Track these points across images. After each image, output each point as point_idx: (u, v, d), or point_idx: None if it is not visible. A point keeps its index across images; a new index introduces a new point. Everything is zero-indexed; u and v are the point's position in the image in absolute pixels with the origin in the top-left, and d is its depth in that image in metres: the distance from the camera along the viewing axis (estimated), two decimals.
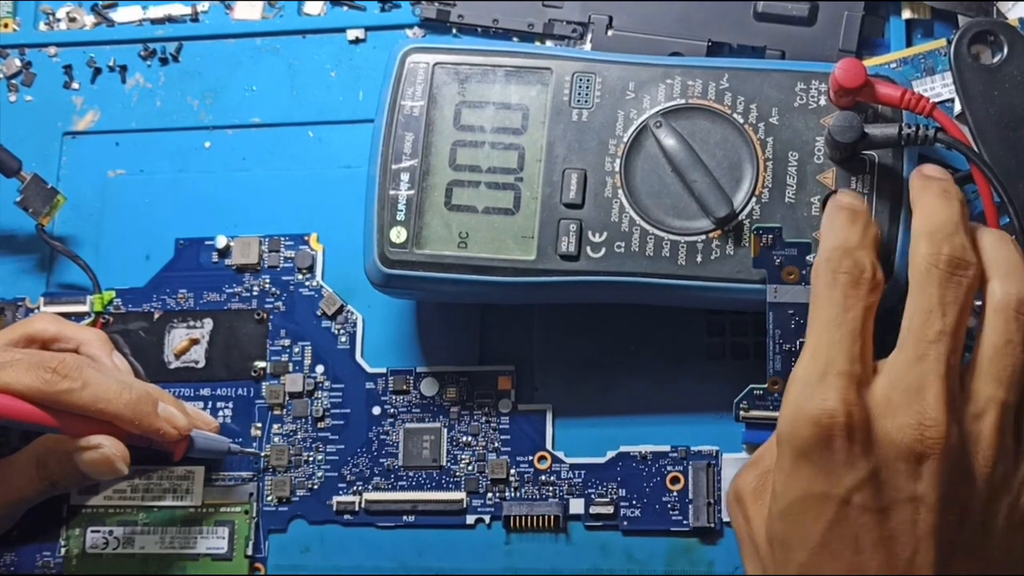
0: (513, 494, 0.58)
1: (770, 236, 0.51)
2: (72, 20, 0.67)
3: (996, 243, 0.45)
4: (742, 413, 0.53)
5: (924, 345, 0.42)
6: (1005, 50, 0.56)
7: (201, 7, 0.66)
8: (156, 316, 0.62)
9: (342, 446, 0.60)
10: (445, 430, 0.59)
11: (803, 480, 0.43)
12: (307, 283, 0.62)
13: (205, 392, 0.61)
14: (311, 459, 0.60)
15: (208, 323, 0.62)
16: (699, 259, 0.53)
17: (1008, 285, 0.43)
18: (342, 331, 0.61)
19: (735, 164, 0.54)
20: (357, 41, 0.65)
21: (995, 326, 0.43)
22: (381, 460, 0.59)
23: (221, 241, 0.62)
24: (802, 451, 0.42)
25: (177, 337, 0.62)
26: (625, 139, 0.55)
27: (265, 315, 0.61)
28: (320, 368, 0.61)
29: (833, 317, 0.43)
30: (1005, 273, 0.44)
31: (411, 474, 0.59)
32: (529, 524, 0.57)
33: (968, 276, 0.43)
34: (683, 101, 0.55)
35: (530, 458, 0.58)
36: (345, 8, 0.65)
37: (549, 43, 0.62)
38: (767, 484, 0.45)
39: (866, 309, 0.44)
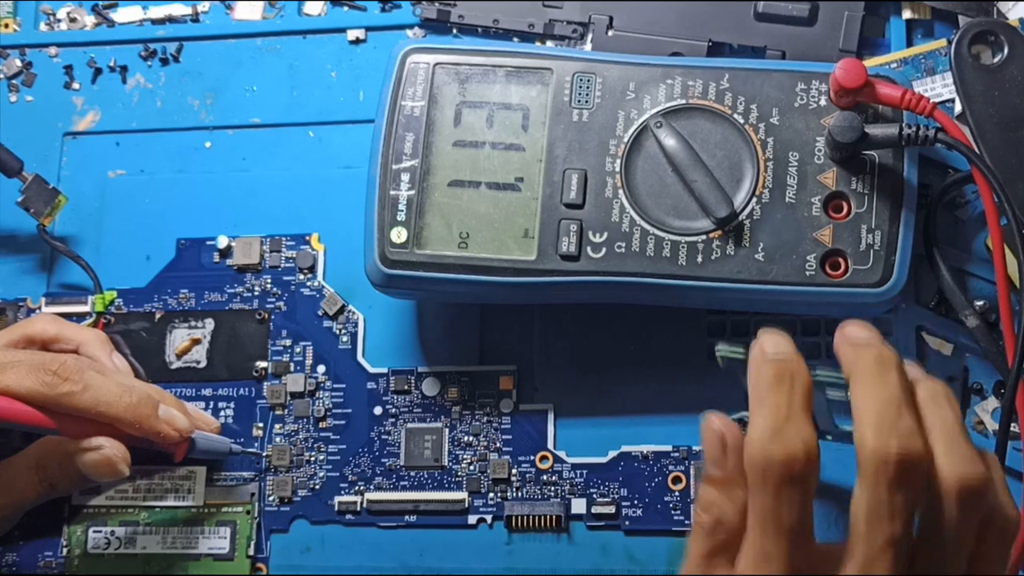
0: (515, 494, 0.58)
1: (733, 360, 0.50)
2: (72, 20, 0.67)
3: (937, 415, 0.43)
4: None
5: (872, 553, 0.41)
6: (1005, 50, 0.56)
7: (201, 7, 0.66)
8: (157, 316, 0.62)
9: (344, 446, 0.60)
10: (447, 430, 0.59)
11: None
12: (308, 283, 0.62)
13: (206, 392, 0.61)
14: (313, 459, 0.60)
15: (209, 323, 0.62)
16: (699, 259, 0.54)
17: (955, 469, 0.41)
18: (343, 331, 0.61)
19: (735, 164, 0.54)
20: (357, 41, 0.65)
21: (941, 510, 0.42)
22: (383, 460, 0.59)
23: (222, 241, 0.62)
24: None
25: (178, 337, 0.62)
26: (625, 139, 0.55)
27: (266, 315, 0.61)
28: (321, 368, 0.61)
29: (769, 524, 0.41)
30: (949, 452, 0.42)
31: (413, 474, 0.59)
32: (531, 524, 0.57)
33: (918, 475, 0.41)
34: (683, 101, 0.55)
35: (532, 458, 0.58)
36: (345, 8, 0.65)
37: (549, 43, 0.62)
38: None
39: (802, 506, 0.41)
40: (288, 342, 0.61)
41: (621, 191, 0.54)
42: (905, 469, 0.40)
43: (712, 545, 0.44)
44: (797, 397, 0.42)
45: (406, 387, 0.60)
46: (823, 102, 0.54)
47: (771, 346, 0.44)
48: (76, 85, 0.66)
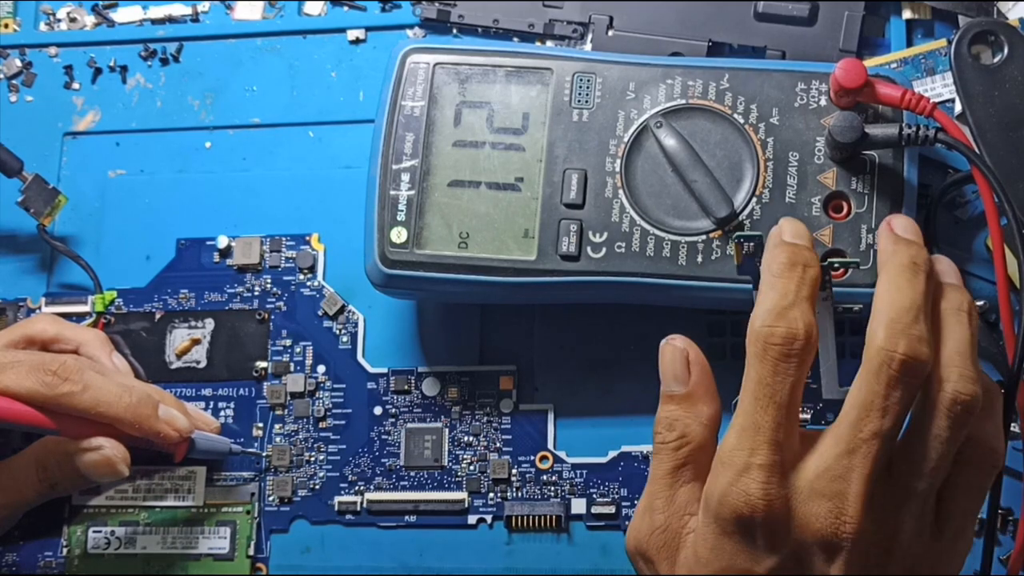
0: (515, 494, 0.58)
1: (751, 244, 0.51)
2: (72, 20, 0.67)
3: (954, 329, 0.45)
4: None
5: (857, 441, 0.42)
6: (1005, 50, 0.56)
7: (201, 7, 0.66)
8: (157, 316, 0.62)
9: (344, 446, 0.60)
10: (447, 430, 0.59)
11: (727, 554, 0.44)
12: (308, 283, 0.62)
13: (206, 392, 0.61)
14: (312, 459, 0.60)
15: (209, 323, 0.62)
16: (699, 259, 0.54)
17: (952, 383, 0.43)
18: (343, 331, 0.61)
19: (735, 164, 0.54)
20: (357, 41, 0.65)
21: (929, 419, 0.43)
22: (383, 460, 0.59)
23: (222, 241, 0.62)
24: (726, 531, 0.43)
25: (178, 337, 0.62)
26: (626, 139, 0.55)
27: (266, 315, 0.61)
28: (321, 368, 0.61)
29: (761, 396, 0.43)
30: (951, 366, 0.43)
31: (413, 474, 0.59)
32: (531, 524, 0.58)
33: (918, 379, 0.43)
34: (683, 101, 0.55)
35: (532, 458, 0.58)
36: (345, 8, 0.65)
37: (549, 43, 0.62)
38: (672, 541, 0.45)
39: (794, 384, 0.43)
40: (288, 342, 0.61)
41: (621, 191, 0.54)
42: (907, 371, 0.42)
43: (676, 462, 0.45)
44: (806, 285, 0.45)
45: (406, 387, 0.60)
46: (823, 102, 0.54)
47: (789, 232, 0.46)
48: (76, 85, 0.66)
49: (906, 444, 0.44)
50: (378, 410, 0.60)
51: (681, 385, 0.47)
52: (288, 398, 0.60)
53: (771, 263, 0.46)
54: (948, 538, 0.44)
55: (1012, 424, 0.52)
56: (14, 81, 0.67)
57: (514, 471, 0.58)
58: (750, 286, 0.53)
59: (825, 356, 0.49)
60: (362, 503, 0.59)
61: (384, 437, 0.59)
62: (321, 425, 0.60)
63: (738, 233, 0.51)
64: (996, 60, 0.56)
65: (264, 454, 0.60)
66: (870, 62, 0.59)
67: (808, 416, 0.54)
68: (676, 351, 0.47)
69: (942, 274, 0.47)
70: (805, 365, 0.44)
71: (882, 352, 0.42)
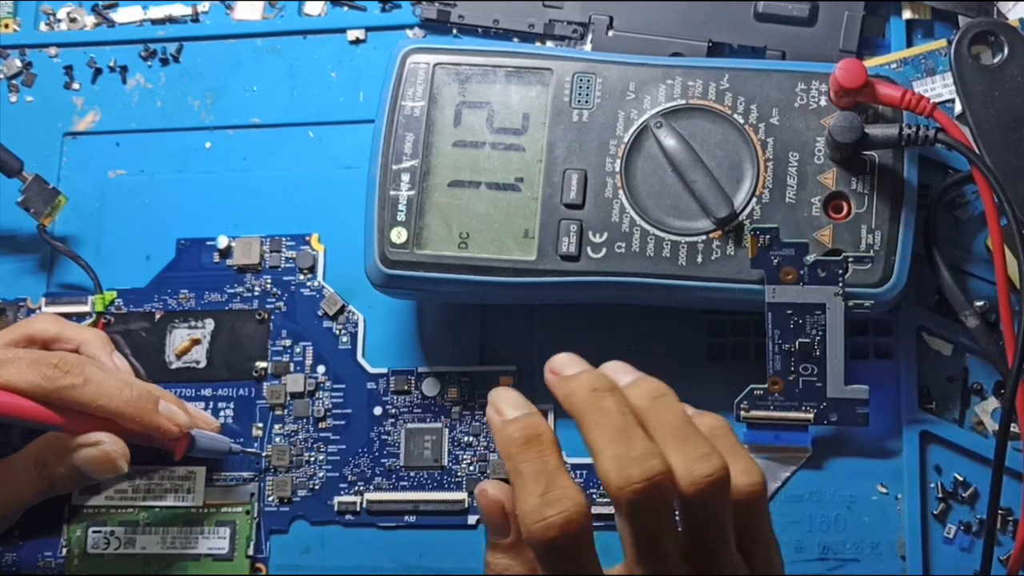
0: None
1: (767, 236, 0.52)
2: (72, 20, 0.67)
3: (659, 417, 0.43)
4: (743, 413, 0.54)
5: (652, 571, 0.41)
6: (1005, 50, 0.56)
7: (202, 7, 0.66)
8: (157, 316, 0.62)
9: (343, 446, 0.60)
10: (446, 430, 0.59)
11: None
12: (308, 283, 0.62)
13: (206, 392, 0.61)
14: (312, 459, 0.60)
15: (209, 323, 0.62)
16: (699, 259, 0.54)
17: (688, 469, 0.41)
18: (343, 331, 0.61)
19: (735, 164, 0.54)
20: (357, 42, 0.65)
21: (691, 509, 0.42)
22: (382, 460, 0.59)
23: (222, 241, 0.62)
24: None
25: (178, 337, 0.62)
26: (626, 139, 0.55)
27: (266, 315, 0.61)
28: (321, 368, 0.61)
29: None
30: (677, 453, 0.42)
31: (412, 474, 0.59)
32: None
33: (667, 490, 0.41)
34: (683, 101, 0.55)
35: None
36: (345, 8, 0.65)
37: (549, 43, 0.62)
38: None
39: (590, 555, 0.42)
40: (288, 342, 0.61)
41: (621, 191, 0.54)
42: (653, 494, 0.40)
43: None
44: (551, 455, 0.42)
45: (406, 387, 0.60)
46: (823, 102, 0.54)
47: (508, 406, 0.44)
48: (76, 85, 0.66)
49: (687, 538, 0.42)
50: (378, 410, 0.60)
51: (502, 535, 0.46)
52: (288, 398, 0.60)
53: (508, 449, 0.43)
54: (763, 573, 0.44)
55: (1012, 424, 0.52)
56: (14, 81, 0.67)
57: None
58: (749, 286, 0.53)
59: (833, 354, 0.49)
60: (362, 503, 0.59)
61: (384, 437, 0.59)
62: (321, 425, 0.60)
63: (755, 225, 0.51)
64: (996, 60, 0.56)
65: (264, 454, 0.60)
66: (870, 62, 0.59)
67: (811, 416, 0.54)
68: (491, 503, 0.45)
69: (618, 378, 0.45)
70: (591, 534, 0.41)
71: (622, 491, 0.40)
